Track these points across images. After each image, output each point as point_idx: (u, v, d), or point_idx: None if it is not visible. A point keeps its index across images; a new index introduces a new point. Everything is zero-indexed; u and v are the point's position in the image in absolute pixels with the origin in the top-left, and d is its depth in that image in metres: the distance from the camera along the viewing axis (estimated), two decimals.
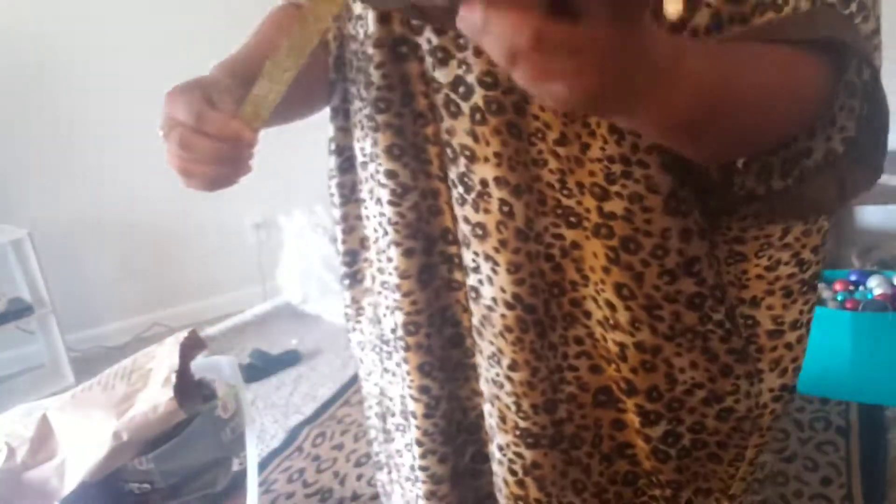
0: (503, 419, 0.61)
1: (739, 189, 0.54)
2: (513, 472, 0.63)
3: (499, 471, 0.64)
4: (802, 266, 0.59)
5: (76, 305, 2.87)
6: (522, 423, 0.61)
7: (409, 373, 0.65)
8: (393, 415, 0.74)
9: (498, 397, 0.61)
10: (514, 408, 0.60)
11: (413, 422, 0.67)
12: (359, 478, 1.88)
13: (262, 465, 1.97)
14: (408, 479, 0.72)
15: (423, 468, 0.68)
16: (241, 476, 1.45)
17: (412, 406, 0.66)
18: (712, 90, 0.40)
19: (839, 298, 2.00)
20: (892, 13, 2.06)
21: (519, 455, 0.62)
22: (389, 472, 0.77)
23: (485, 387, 0.63)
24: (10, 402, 2.05)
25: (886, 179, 2.01)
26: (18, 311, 2.58)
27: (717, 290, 0.58)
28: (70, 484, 1.32)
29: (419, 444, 0.67)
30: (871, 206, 2.32)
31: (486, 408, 0.64)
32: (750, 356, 0.62)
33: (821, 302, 1.98)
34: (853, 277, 2.09)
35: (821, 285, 2.06)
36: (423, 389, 0.65)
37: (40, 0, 2.73)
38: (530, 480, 0.62)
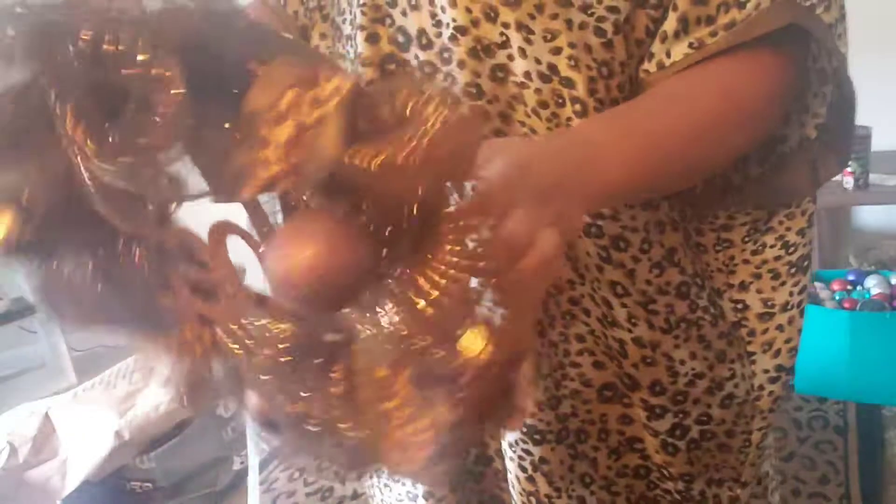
0: None
1: (717, 180, 0.57)
2: (522, 469, 0.64)
3: (510, 467, 0.66)
4: (788, 248, 0.60)
5: None
6: (528, 420, 0.62)
7: None
8: None
9: None
10: None
11: None
12: (359, 476, 1.90)
13: (263, 464, 1.98)
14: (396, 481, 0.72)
15: None
16: (242, 475, 1.46)
17: None
18: (636, 166, 0.45)
19: (837, 298, 2.00)
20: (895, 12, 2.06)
21: (527, 451, 0.63)
22: (370, 477, 0.78)
23: None
24: (13, 401, 2.06)
25: (884, 180, 2.01)
26: (21, 310, 2.58)
27: (697, 278, 0.60)
28: (72, 483, 1.33)
29: None
30: (869, 206, 2.32)
31: None
32: (739, 339, 0.63)
33: (819, 301, 1.98)
34: (851, 277, 2.08)
35: (818, 285, 2.06)
36: None
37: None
38: (539, 476, 0.63)
